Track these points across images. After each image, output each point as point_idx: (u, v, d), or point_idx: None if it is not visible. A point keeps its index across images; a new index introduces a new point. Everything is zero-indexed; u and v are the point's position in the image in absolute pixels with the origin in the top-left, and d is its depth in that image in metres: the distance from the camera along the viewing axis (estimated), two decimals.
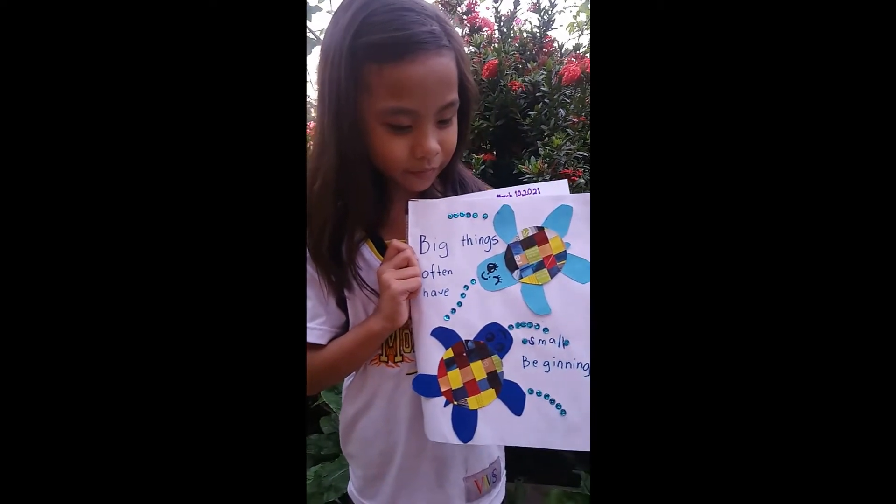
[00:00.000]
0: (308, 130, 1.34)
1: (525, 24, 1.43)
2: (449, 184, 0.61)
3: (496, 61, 1.10)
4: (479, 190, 0.62)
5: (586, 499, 0.95)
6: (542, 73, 1.04)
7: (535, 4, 1.31)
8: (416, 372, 0.55)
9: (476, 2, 1.34)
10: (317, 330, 0.57)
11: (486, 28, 1.33)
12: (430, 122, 0.50)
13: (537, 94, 1.08)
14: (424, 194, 0.58)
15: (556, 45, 1.33)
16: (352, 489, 0.69)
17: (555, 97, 1.03)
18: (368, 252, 0.57)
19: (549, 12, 1.30)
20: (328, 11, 1.51)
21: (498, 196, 0.55)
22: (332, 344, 0.57)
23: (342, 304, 0.58)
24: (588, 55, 1.14)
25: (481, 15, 1.36)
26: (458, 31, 1.28)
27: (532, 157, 0.96)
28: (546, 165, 0.91)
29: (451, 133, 0.53)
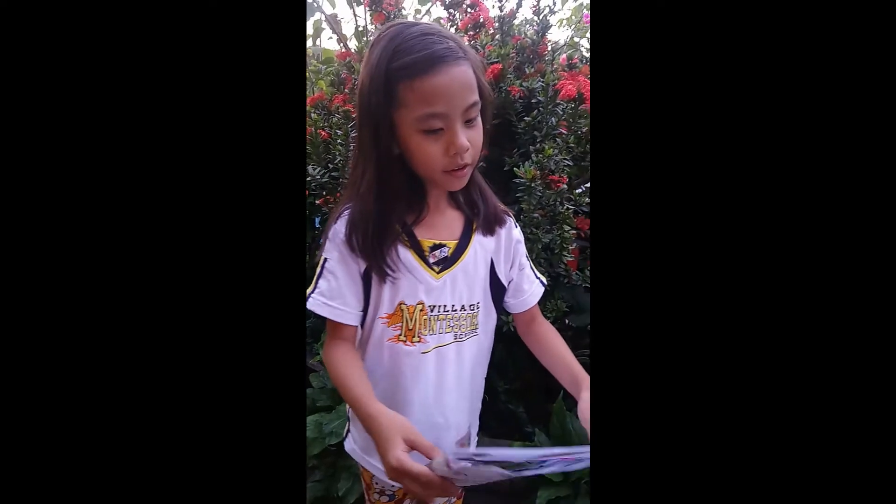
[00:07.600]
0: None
1: (520, 18, 1.51)
2: (472, 190, 0.70)
3: (500, 66, 1.20)
4: (492, 199, 0.72)
5: None
6: (540, 83, 1.15)
7: (535, 7, 1.40)
8: (430, 351, 0.66)
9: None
10: (336, 309, 0.66)
11: (484, 19, 1.41)
12: (459, 123, 0.60)
13: (533, 101, 1.20)
14: (455, 200, 0.69)
15: (549, 47, 1.43)
16: (353, 447, 0.79)
17: (549, 107, 1.15)
18: (402, 247, 0.68)
19: (547, 16, 1.40)
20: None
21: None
22: (349, 371, 0.63)
23: (367, 287, 0.68)
24: (581, 73, 1.27)
25: (485, 3, 1.44)
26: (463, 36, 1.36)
27: (527, 162, 1.09)
28: (538, 172, 1.05)
29: (478, 131, 0.63)
